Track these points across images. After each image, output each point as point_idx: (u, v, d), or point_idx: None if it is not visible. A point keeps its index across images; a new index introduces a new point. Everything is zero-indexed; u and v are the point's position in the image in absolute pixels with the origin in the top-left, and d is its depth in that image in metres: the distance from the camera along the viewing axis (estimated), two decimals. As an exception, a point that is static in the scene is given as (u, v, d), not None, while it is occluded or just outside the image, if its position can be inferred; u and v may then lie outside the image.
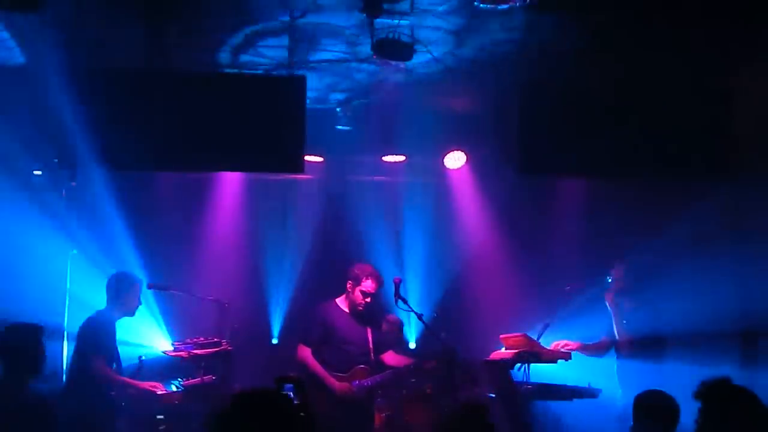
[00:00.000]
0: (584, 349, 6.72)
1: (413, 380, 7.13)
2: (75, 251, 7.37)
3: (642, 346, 6.41)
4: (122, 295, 6.32)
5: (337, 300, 6.79)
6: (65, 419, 4.99)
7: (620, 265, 6.63)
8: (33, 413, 4.46)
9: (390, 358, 6.89)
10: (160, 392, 6.15)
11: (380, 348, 6.83)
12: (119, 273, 6.60)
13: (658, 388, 4.63)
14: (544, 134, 5.83)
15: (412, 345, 8.30)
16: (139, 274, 6.85)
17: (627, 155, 5.91)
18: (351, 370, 6.57)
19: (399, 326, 8.13)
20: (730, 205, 6.95)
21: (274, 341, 8.85)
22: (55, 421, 4.56)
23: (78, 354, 6.18)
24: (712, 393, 3.94)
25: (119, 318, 6.35)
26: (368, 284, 6.60)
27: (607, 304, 6.67)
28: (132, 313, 6.42)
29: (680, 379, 6.91)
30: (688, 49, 5.94)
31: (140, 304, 6.46)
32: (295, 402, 3.30)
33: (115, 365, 6.19)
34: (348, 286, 6.70)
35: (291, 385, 3.46)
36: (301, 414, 3.12)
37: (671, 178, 6.27)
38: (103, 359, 6.05)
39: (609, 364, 6.74)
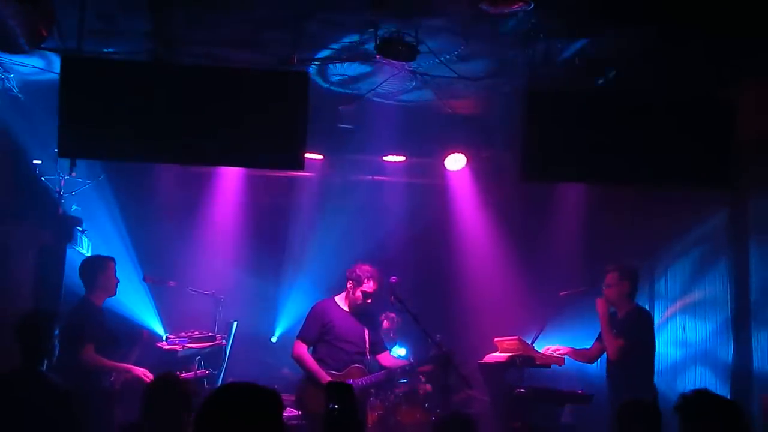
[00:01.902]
0: (575, 354, 6.72)
1: (405, 380, 7.12)
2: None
3: (632, 354, 6.38)
4: (97, 278, 6.35)
5: (336, 298, 6.79)
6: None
7: (613, 271, 6.60)
8: (52, 398, 4.49)
9: (386, 358, 6.90)
10: (152, 384, 6.14)
11: (376, 348, 6.83)
12: (88, 257, 6.63)
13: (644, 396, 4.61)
14: (548, 142, 5.81)
15: (402, 351, 8.26)
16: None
17: (629, 163, 5.90)
18: (346, 369, 6.56)
19: (397, 325, 8.15)
20: (730, 212, 6.95)
21: (273, 339, 8.85)
22: (73, 408, 4.58)
23: (66, 345, 6.15)
24: (690, 406, 3.81)
25: (102, 301, 6.35)
26: (370, 285, 6.61)
27: (597, 309, 6.61)
28: (113, 293, 6.44)
29: (670, 389, 6.96)
30: (689, 59, 5.95)
31: (118, 281, 6.47)
32: (338, 409, 3.20)
33: (120, 349, 6.22)
34: (348, 285, 6.70)
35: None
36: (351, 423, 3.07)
37: (672, 185, 6.27)
38: (92, 347, 6.04)
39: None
